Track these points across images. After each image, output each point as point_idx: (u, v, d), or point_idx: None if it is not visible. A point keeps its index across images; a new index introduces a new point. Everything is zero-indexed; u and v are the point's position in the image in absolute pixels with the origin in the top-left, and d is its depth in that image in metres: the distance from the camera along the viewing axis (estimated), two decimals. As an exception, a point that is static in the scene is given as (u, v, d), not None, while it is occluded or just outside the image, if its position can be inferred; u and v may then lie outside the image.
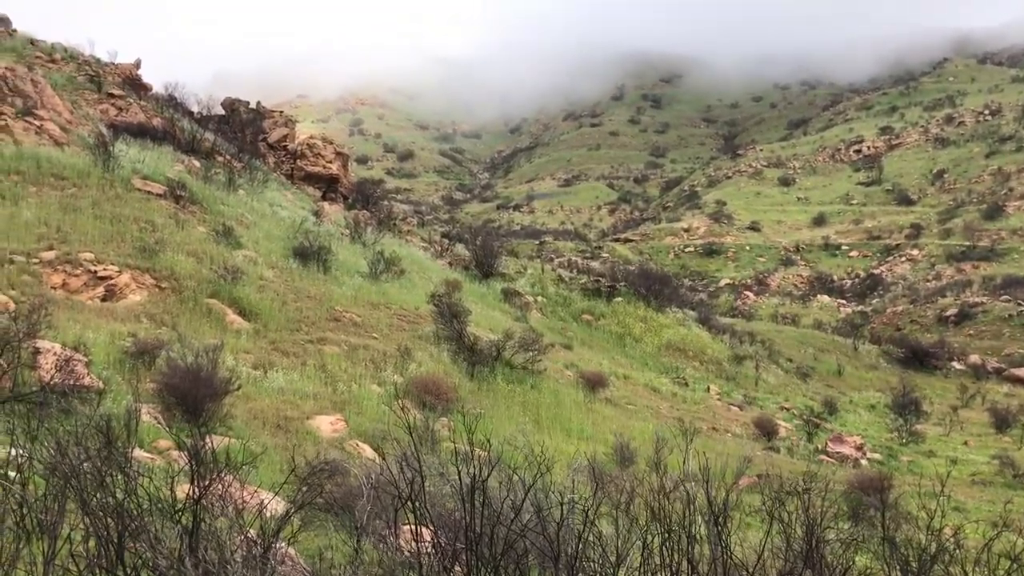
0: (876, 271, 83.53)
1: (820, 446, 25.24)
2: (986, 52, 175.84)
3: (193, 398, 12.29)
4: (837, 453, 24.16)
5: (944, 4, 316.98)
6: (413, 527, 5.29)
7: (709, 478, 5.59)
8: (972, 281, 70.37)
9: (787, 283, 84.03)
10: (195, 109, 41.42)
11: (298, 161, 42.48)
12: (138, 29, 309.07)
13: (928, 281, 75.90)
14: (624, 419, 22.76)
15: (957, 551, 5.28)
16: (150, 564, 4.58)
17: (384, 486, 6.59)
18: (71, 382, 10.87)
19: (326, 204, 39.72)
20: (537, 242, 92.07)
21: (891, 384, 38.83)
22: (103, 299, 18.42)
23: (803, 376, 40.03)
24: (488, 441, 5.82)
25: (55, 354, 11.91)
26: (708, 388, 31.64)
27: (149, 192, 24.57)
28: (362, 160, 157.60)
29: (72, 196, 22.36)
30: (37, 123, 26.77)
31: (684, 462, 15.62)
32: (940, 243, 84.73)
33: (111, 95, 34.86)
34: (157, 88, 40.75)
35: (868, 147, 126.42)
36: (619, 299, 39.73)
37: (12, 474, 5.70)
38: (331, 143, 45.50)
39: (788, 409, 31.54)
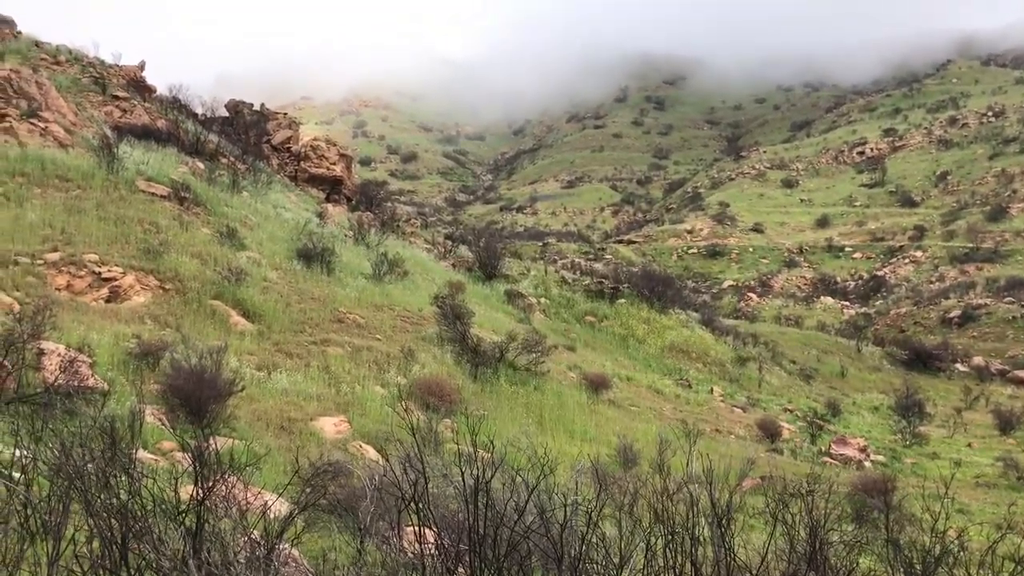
0: (879, 273, 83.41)
1: (824, 448, 25.20)
2: (990, 54, 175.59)
3: (197, 399, 12.30)
4: (841, 455, 24.13)
5: (948, 6, 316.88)
6: (416, 528, 5.29)
7: (712, 480, 5.59)
8: (976, 283, 70.25)
9: (790, 285, 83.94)
10: (199, 111, 41.51)
11: (302, 163, 42.53)
12: (138, 29, 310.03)
13: (931, 283, 75.78)
14: (627, 421, 22.75)
15: (961, 553, 5.27)
16: (154, 565, 4.58)
17: (387, 487, 6.59)
18: (75, 383, 10.89)
19: (330, 206, 39.76)
20: (540, 244, 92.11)
21: (894, 386, 38.79)
22: (107, 300, 18.45)
23: (806, 378, 39.98)
24: (491, 442, 5.83)
25: (59, 355, 11.92)
26: (711, 390, 31.61)
27: (153, 194, 24.62)
28: (366, 162, 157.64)
29: (76, 198, 22.40)
30: (42, 125, 26.82)
31: (687, 464, 15.60)
32: (943, 245, 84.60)
33: (115, 97, 34.93)
34: (161, 90, 40.87)
35: (871, 149, 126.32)
36: (622, 301, 39.72)
37: (16, 475, 5.71)
38: (335, 145, 45.55)
39: (791, 411, 31.50)
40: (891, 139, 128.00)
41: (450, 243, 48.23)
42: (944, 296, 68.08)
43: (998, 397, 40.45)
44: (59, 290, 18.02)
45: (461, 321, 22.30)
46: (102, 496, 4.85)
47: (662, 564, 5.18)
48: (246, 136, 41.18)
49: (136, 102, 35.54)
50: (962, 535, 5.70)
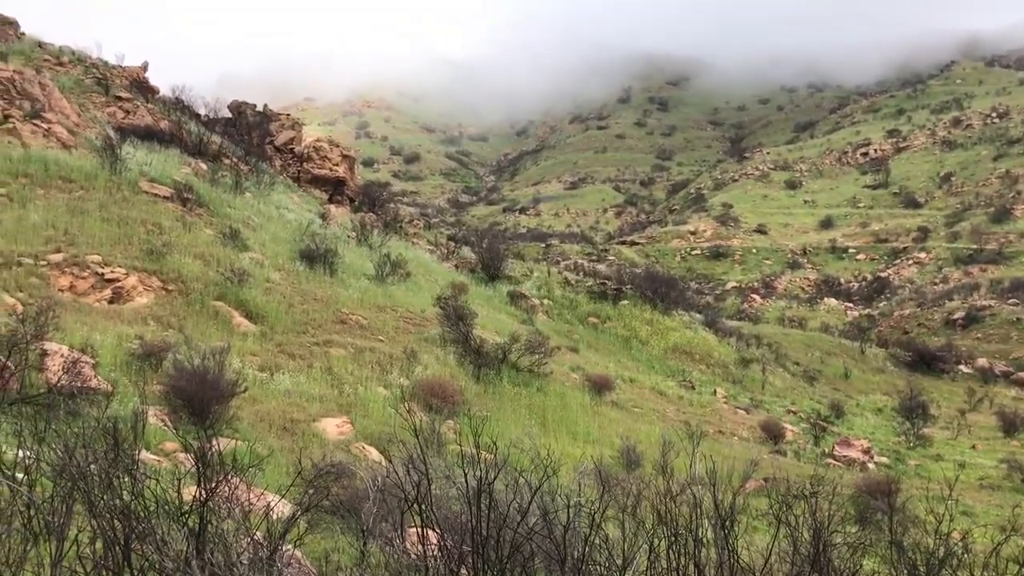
0: (883, 274, 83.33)
1: (827, 450, 25.17)
2: (994, 54, 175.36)
3: (200, 400, 12.30)
4: (844, 457, 24.09)
5: (952, 6, 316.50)
6: (419, 530, 5.29)
7: (716, 481, 5.57)
8: (979, 284, 70.16)
9: (794, 286, 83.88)
10: (202, 112, 41.56)
11: (305, 164, 42.57)
12: (138, 29, 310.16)
13: (935, 284, 75.71)
14: (630, 422, 22.73)
15: (965, 555, 5.26)
16: (157, 566, 4.58)
17: (390, 488, 6.59)
18: (78, 384, 10.90)
19: (332, 207, 39.79)
20: (543, 245, 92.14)
21: (898, 388, 38.74)
22: (110, 301, 18.47)
23: (810, 379, 39.94)
24: (494, 444, 5.83)
25: (62, 356, 11.93)
26: (715, 391, 31.58)
27: (156, 195, 24.65)
28: (368, 163, 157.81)
29: (80, 199, 22.42)
30: (45, 126, 26.86)
31: (690, 465, 15.58)
32: (947, 246, 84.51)
33: (119, 98, 34.98)
34: (164, 91, 40.94)
35: (875, 150, 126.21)
36: (625, 302, 39.71)
37: (20, 475, 5.71)
38: (337, 146, 45.58)
39: (795, 412, 31.47)
40: (895, 140, 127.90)
41: (453, 244, 48.26)
42: (948, 298, 68.01)
43: (1002, 399, 40.38)
44: (62, 291, 18.04)
45: (464, 322, 22.29)
46: (105, 497, 4.84)
47: (665, 566, 5.17)
48: (249, 137, 41.23)
49: (139, 103, 35.60)
50: (966, 537, 5.69)
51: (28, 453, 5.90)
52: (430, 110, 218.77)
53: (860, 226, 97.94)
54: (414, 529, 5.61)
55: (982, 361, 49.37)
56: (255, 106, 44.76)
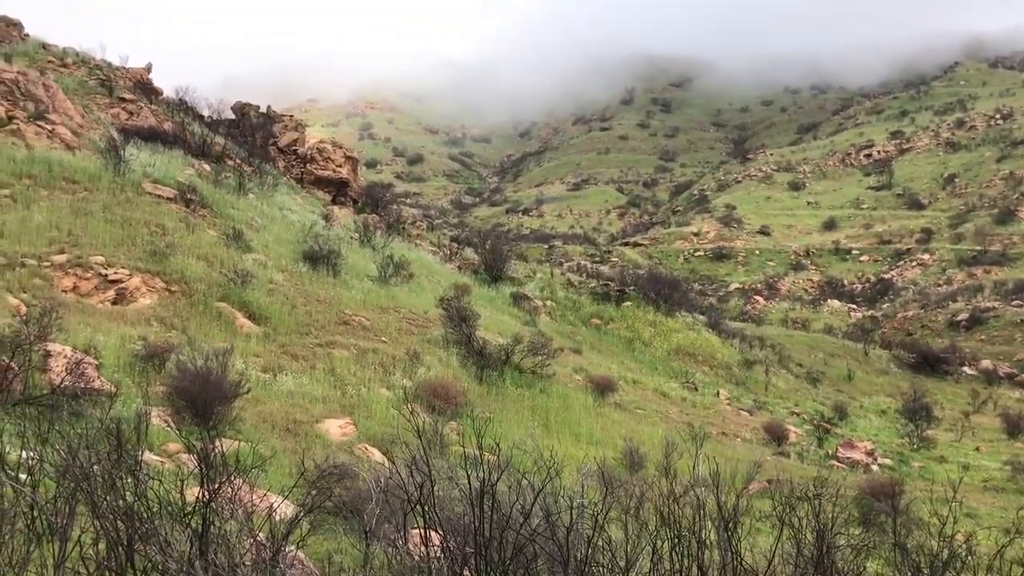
0: (887, 276, 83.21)
1: (831, 451, 25.14)
2: (998, 56, 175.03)
3: (203, 401, 12.32)
4: (848, 458, 24.06)
5: (955, 8, 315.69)
6: (422, 531, 5.29)
7: (719, 483, 5.57)
8: (983, 286, 70.03)
9: (797, 287, 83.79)
10: (205, 113, 41.59)
11: (308, 165, 42.61)
12: (138, 29, 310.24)
13: (939, 286, 75.59)
14: (633, 423, 22.71)
15: (969, 558, 5.25)
16: (160, 567, 4.58)
17: (393, 490, 6.59)
18: (81, 385, 10.91)
19: (336, 208, 39.82)
20: (546, 246, 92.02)
21: (902, 389, 38.67)
22: (113, 302, 18.49)
23: (813, 381, 39.89)
24: (497, 445, 5.83)
25: (66, 357, 11.94)
26: (718, 393, 31.55)
27: (160, 196, 24.68)
28: (372, 164, 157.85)
29: (83, 200, 22.46)
30: (49, 127, 26.91)
31: (694, 467, 15.58)
32: (951, 248, 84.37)
33: (122, 99, 35.03)
34: (167, 92, 40.99)
35: (879, 151, 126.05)
36: (628, 303, 39.69)
37: (23, 476, 5.72)
38: (341, 147, 45.61)
39: (798, 414, 31.43)
40: (898, 141, 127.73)
41: (456, 245, 48.26)
42: (952, 299, 67.89)
43: (1006, 401, 40.32)
44: (65, 292, 18.07)
45: (467, 323, 22.29)
46: (108, 498, 4.85)
47: (668, 568, 5.16)
48: (252, 138, 41.27)
49: (143, 104, 35.64)
50: (970, 539, 5.68)
51: (31, 454, 5.90)
52: (433, 111, 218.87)
53: (863, 227, 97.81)
54: (417, 530, 5.61)
55: (986, 363, 49.28)
56: (259, 107, 44.80)
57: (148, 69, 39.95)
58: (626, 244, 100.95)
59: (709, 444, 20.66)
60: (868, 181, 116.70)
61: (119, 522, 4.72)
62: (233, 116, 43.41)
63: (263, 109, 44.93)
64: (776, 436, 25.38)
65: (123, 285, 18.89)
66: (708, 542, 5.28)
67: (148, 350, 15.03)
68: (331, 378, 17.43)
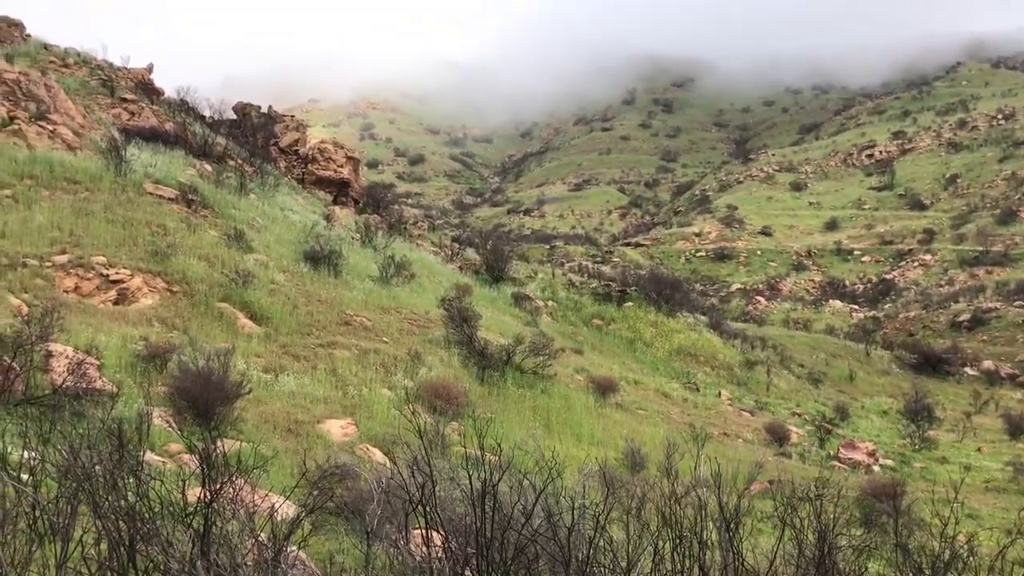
0: (888, 276, 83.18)
1: (832, 452, 25.12)
2: (1000, 56, 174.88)
3: (204, 402, 12.32)
4: (849, 459, 24.05)
5: (957, 8, 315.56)
6: (424, 531, 5.29)
7: (721, 483, 5.57)
8: (985, 286, 70.01)
9: (799, 288, 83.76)
10: (207, 113, 41.59)
11: (309, 165, 42.61)
12: (138, 29, 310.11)
13: (941, 286, 75.56)
14: (635, 424, 22.71)
15: (971, 558, 5.24)
16: (162, 567, 4.58)
17: (395, 490, 6.59)
18: (83, 385, 10.92)
19: (337, 208, 39.83)
20: (548, 246, 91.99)
21: (903, 390, 38.66)
22: (115, 303, 18.50)
23: (815, 381, 39.88)
24: (498, 446, 5.83)
25: (67, 357, 11.95)
26: (719, 393, 31.54)
27: (161, 196, 24.69)
28: (373, 164, 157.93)
29: (84, 200, 22.47)
30: (50, 127, 26.93)
31: (695, 467, 15.57)
32: (953, 248, 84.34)
33: (124, 99, 35.05)
34: (169, 92, 41.00)
35: (880, 152, 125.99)
36: (630, 304, 39.69)
37: (25, 476, 5.72)
38: (342, 147, 45.62)
39: (800, 415, 31.43)
40: (900, 142, 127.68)
41: (457, 246, 48.26)
42: (953, 300, 67.86)
43: (1008, 401, 40.30)
44: (67, 292, 18.08)
45: (468, 324, 22.29)
46: (110, 498, 4.85)
47: (670, 568, 5.16)
48: (254, 138, 41.28)
49: (144, 104, 35.66)
50: (972, 540, 5.67)
51: (33, 454, 5.91)
52: (434, 112, 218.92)
53: (865, 228, 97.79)
54: (418, 531, 5.61)
55: (988, 363, 49.26)
56: (260, 107, 44.81)
57: (149, 69, 39.97)
58: (627, 244, 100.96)
59: (710, 445, 20.65)
60: (870, 181, 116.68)
61: (121, 522, 4.72)
62: (234, 116, 43.42)
63: (264, 109, 44.94)
64: (778, 437, 25.38)
65: (125, 285, 18.90)
66: (710, 543, 5.28)
67: (150, 350, 15.04)
68: (333, 378, 17.43)
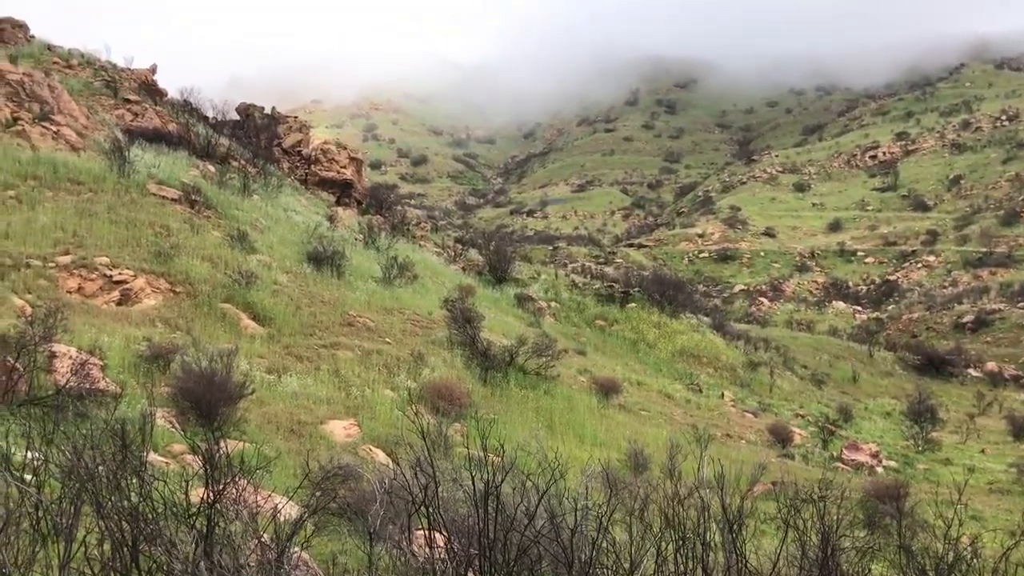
0: (892, 277, 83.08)
1: (835, 453, 25.09)
2: (1003, 57, 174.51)
3: (207, 402, 12.33)
4: (852, 460, 24.01)
5: (961, 9, 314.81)
6: (427, 532, 5.29)
7: (723, 485, 5.56)
8: (989, 288, 69.90)
9: (802, 289, 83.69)
10: (210, 114, 41.63)
11: (312, 166, 42.65)
12: (138, 29, 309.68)
13: (944, 288, 75.44)
14: (638, 425, 22.69)
15: (974, 560, 5.23)
16: (165, 568, 4.59)
17: (397, 491, 6.59)
18: (86, 386, 10.93)
19: (340, 209, 39.85)
20: (551, 247, 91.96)
21: (907, 391, 38.60)
22: (118, 303, 18.52)
23: (818, 383, 39.83)
24: (501, 447, 5.82)
25: (71, 358, 11.97)
26: (722, 394, 31.52)
27: (164, 197, 24.72)
28: (376, 165, 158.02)
29: (88, 201, 22.50)
30: (54, 128, 26.97)
31: (698, 469, 15.57)
32: (957, 249, 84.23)
33: (127, 100, 35.10)
34: (172, 93, 41.06)
35: (884, 153, 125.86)
36: (633, 305, 39.67)
37: (28, 477, 5.73)
38: (345, 148, 45.66)
39: (803, 416, 31.39)
40: (904, 143, 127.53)
41: (460, 247, 48.28)
42: (957, 301, 67.75)
43: (1011, 403, 40.21)
44: (70, 293, 18.11)
45: (471, 325, 22.29)
46: (113, 498, 4.86)
47: (673, 570, 5.16)
48: (257, 139, 41.31)
49: (148, 105, 35.71)
50: (975, 542, 5.66)
51: (37, 454, 5.92)
52: (437, 112, 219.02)
53: (869, 229, 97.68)
54: (421, 532, 5.61)
55: (991, 365, 49.16)
56: (263, 108, 44.85)
57: (153, 70, 40.02)
58: (630, 245, 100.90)
59: (713, 446, 20.65)
60: (873, 182, 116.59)
61: (124, 523, 4.73)
62: (237, 117, 43.46)
63: (267, 110, 44.99)
64: (781, 438, 25.35)
65: (128, 286, 18.92)
66: (713, 544, 5.27)
67: (153, 351, 15.05)
68: (335, 379, 17.44)
